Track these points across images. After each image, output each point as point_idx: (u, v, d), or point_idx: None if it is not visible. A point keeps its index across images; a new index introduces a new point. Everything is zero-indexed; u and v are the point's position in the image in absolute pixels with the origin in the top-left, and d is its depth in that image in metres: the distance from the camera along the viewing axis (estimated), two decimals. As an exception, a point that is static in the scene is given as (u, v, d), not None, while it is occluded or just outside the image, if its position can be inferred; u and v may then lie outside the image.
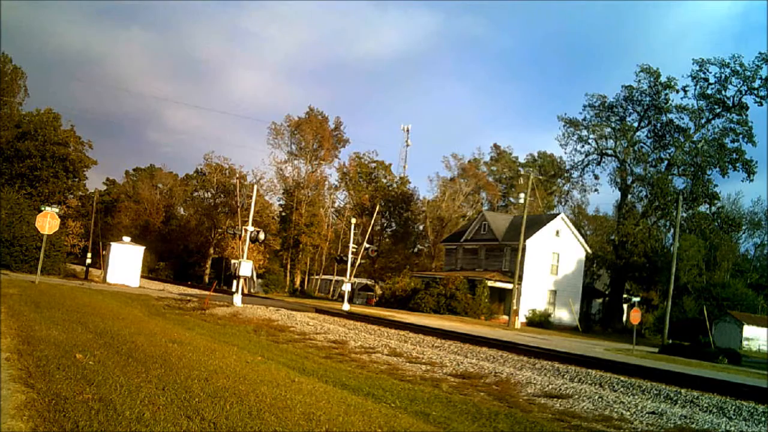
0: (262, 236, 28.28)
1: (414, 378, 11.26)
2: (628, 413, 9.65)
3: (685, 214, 49.75)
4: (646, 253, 51.02)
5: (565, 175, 61.46)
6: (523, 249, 43.24)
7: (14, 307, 12.89)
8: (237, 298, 25.71)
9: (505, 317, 43.35)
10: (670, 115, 53.83)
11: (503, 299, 47.53)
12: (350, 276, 38.10)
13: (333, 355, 13.53)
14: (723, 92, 51.37)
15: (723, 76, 50.93)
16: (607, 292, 57.39)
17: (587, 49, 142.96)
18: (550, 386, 11.57)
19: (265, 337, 16.22)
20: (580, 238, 51.77)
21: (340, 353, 14.01)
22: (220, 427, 5.26)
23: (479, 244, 52.26)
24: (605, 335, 43.57)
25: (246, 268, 26.31)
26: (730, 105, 51.17)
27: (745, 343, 41.35)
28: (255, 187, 32.65)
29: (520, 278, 44.63)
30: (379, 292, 58.15)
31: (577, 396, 10.75)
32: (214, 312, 22.02)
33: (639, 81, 53.66)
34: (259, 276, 60.56)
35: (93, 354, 7.99)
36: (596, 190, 61.72)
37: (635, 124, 55.56)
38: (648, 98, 53.93)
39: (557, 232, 49.68)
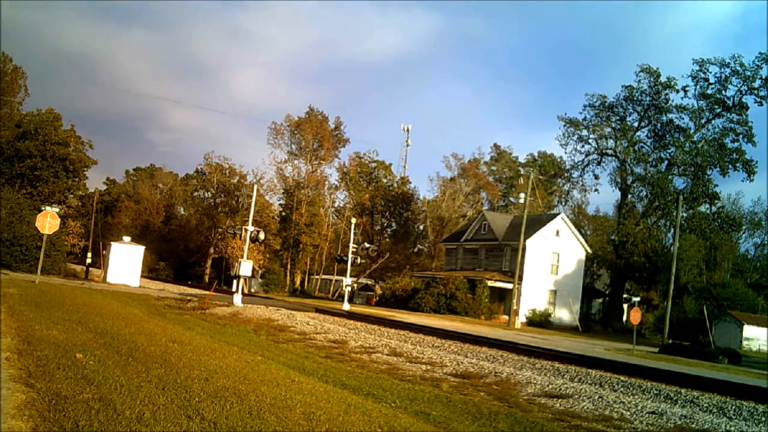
0: (262, 236, 28.28)
1: (414, 378, 11.26)
2: (629, 413, 9.65)
3: (685, 214, 49.74)
4: (646, 253, 51.01)
5: (565, 175, 61.46)
6: (523, 249, 43.23)
7: (14, 307, 12.88)
8: (237, 298, 25.71)
9: (505, 317, 43.35)
10: (670, 115, 53.93)
11: (503, 299, 47.53)
12: (350, 276, 38.09)
13: (333, 355, 13.53)
14: (723, 92, 51.41)
15: (723, 76, 50.99)
16: (607, 292, 57.38)
17: (587, 49, 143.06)
18: (550, 386, 11.58)
19: (265, 336, 16.22)
20: (580, 238, 51.77)
21: (340, 353, 14.01)
22: (220, 426, 5.25)
23: (479, 244, 52.26)
24: (605, 335, 43.56)
25: (246, 268, 26.31)
26: (730, 105, 51.18)
27: (745, 343, 41.36)
28: (255, 186, 32.63)
29: (520, 278, 44.62)
30: (379, 292, 58.15)
31: (577, 396, 10.74)
32: (214, 312, 22.02)
33: (639, 81, 53.76)
34: (260, 276, 60.60)
35: (93, 354, 7.98)
36: (596, 190, 61.83)
37: (635, 124, 55.60)
38: (648, 98, 53.95)
39: (557, 232, 49.68)
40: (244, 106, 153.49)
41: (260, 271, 60.59)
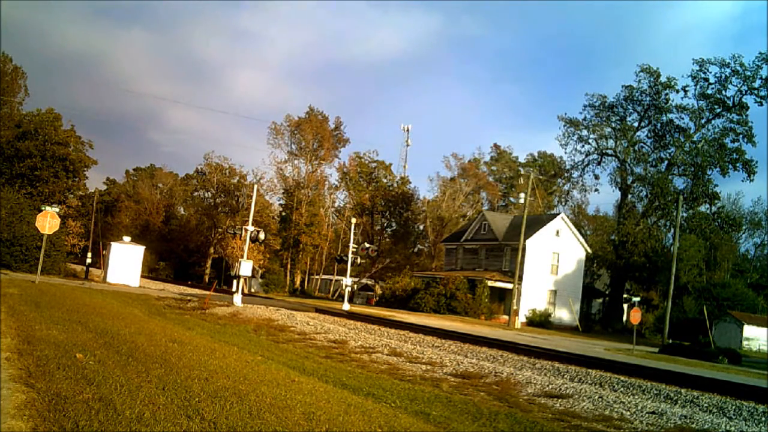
0: (262, 236, 28.28)
1: (414, 378, 11.26)
2: (629, 413, 9.65)
3: (685, 214, 49.75)
4: (646, 253, 51.02)
5: (565, 175, 61.45)
6: (523, 249, 43.22)
7: (14, 307, 12.88)
8: (237, 298, 25.71)
9: (505, 317, 43.35)
10: (670, 115, 53.96)
11: (503, 299, 47.53)
12: (350, 276, 38.07)
13: (333, 355, 13.53)
14: (723, 92, 51.43)
15: (723, 76, 51.02)
16: (607, 292, 57.38)
17: (587, 49, 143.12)
18: (551, 386, 11.57)
19: (265, 336, 16.22)
20: (580, 237, 51.77)
21: (340, 353, 14.01)
22: (220, 426, 5.25)
23: (479, 244, 52.25)
24: (605, 335, 43.57)
25: (246, 268, 26.30)
26: (730, 105, 51.19)
27: (745, 343, 41.34)
28: (255, 186, 32.63)
29: (520, 278, 44.61)
30: (379, 291, 58.16)
31: (577, 396, 10.74)
32: (214, 312, 22.02)
33: (639, 81, 53.78)
34: (260, 276, 60.59)
35: (93, 354, 7.98)
36: (596, 190, 61.81)
37: (635, 124, 55.61)
38: (648, 98, 53.96)
39: (557, 232, 49.67)
40: (245, 106, 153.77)
41: (260, 271, 60.59)
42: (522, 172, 68.88)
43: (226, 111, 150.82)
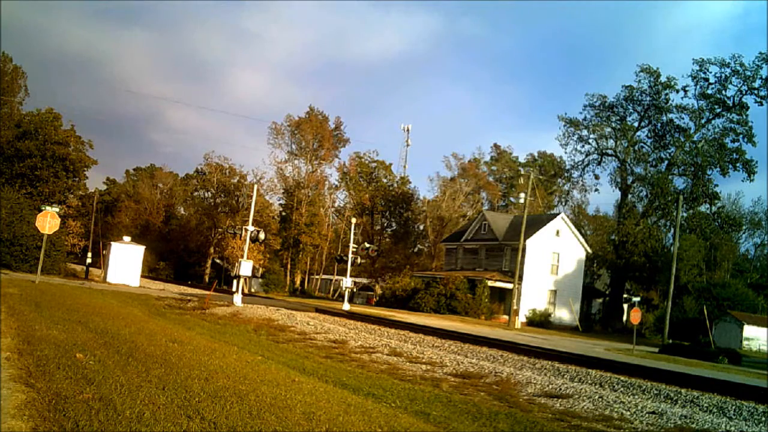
0: (262, 236, 28.28)
1: (414, 378, 11.26)
2: (629, 413, 9.65)
3: (685, 214, 49.75)
4: (646, 253, 51.02)
5: (566, 174, 61.48)
6: (524, 249, 43.22)
7: (14, 307, 12.88)
8: (237, 298, 25.71)
9: (506, 317, 43.34)
10: (670, 115, 53.98)
11: (503, 299, 47.53)
12: (350, 276, 38.07)
13: (333, 355, 13.53)
14: (723, 92, 51.42)
15: (723, 75, 51.02)
16: (607, 292, 57.38)
17: (587, 49, 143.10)
18: (551, 386, 11.57)
19: (265, 336, 16.23)
20: (581, 237, 51.77)
21: (340, 353, 14.01)
22: (220, 426, 5.25)
23: (479, 244, 52.25)
24: (605, 335, 43.56)
25: (246, 268, 26.29)
26: (730, 105, 51.20)
27: (745, 343, 41.31)
28: (255, 186, 32.63)
29: (520, 278, 44.61)
30: (379, 291, 58.15)
31: (577, 396, 10.74)
32: (214, 312, 22.01)
33: (639, 81, 53.79)
34: (260, 276, 60.57)
35: (93, 353, 7.98)
36: (596, 190, 61.92)
37: (635, 124, 55.62)
38: (648, 98, 53.97)
39: (557, 232, 49.67)
40: (245, 106, 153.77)
41: (260, 271, 60.58)
42: (522, 172, 68.87)
43: (226, 111, 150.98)
